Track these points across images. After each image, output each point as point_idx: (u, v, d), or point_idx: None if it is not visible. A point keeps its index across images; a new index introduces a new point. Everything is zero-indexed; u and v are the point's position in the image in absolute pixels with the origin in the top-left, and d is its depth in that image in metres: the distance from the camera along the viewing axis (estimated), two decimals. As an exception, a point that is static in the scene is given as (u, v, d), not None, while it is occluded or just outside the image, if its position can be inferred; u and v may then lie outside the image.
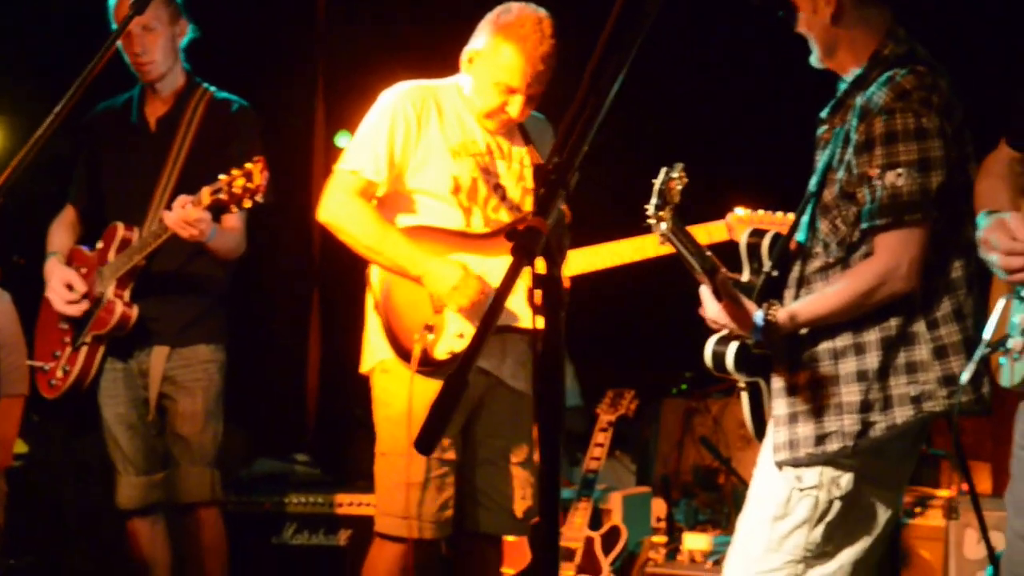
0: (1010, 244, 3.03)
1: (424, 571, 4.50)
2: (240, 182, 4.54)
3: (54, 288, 5.05)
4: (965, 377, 3.30)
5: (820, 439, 3.52)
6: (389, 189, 4.46)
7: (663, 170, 3.46)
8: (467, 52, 4.50)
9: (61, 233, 5.25)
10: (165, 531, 5.21)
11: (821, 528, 3.56)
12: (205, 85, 5.21)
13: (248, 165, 4.54)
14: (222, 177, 4.58)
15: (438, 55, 4.83)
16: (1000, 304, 3.19)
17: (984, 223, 3.15)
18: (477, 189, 4.48)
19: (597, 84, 2.03)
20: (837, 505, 3.55)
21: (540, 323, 1.99)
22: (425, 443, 1.80)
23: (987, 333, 3.21)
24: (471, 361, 1.82)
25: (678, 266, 3.70)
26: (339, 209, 4.44)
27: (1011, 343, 3.13)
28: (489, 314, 1.89)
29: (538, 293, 1.96)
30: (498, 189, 4.51)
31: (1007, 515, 3.19)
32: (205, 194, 4.63)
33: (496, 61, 4.40)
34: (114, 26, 5.02)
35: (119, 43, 5.01)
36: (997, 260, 3.07)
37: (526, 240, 1.90)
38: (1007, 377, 3.17)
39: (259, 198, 4.55)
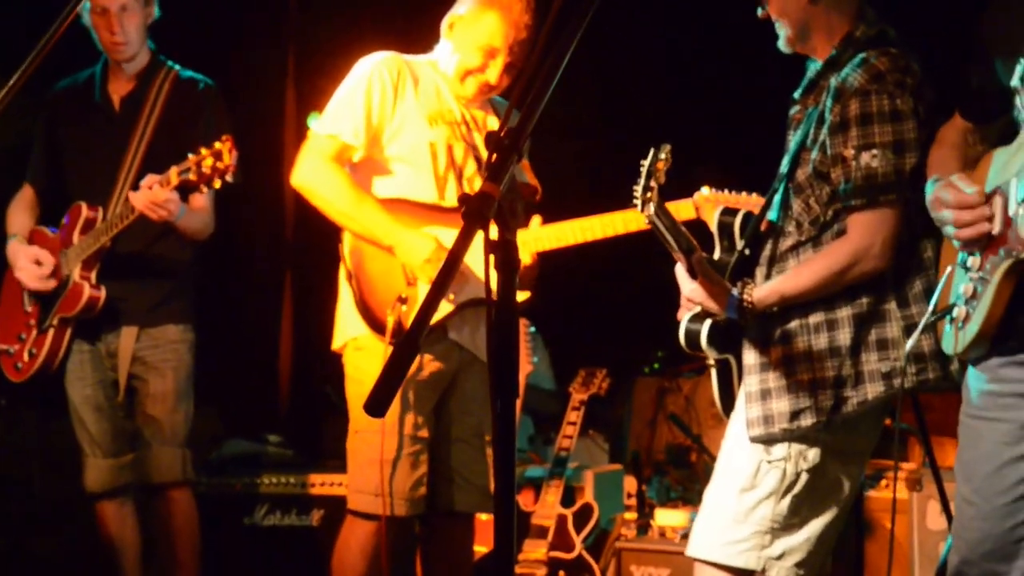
0: (960, 196, 3.07)
1: (397, 549, 4.50)
2: (209, 162, 4.53)
3: (22, 267, 5.03)
4: (909, 345, 3.36)
5: (794, 415, 3.55)
6: (365, 154, 4.45)
7: (651, 151, 3.51)
8: (449, 17, 4.53)
9: (21, 214, 5.23)
10: (134, 513, 5.20)
11: (788, 500, 3.59)
12: (169, 64, 5.19)
13: (217, 144, 4.53)
14: (191, 156, 4.57)
15: (409, 36, 4.84)
16: (946, 272, 3.24)
17: (932, 187, 3.19)
18: (453, 156, 4.49)
19: (551, 49, 2.03)
20: (804, 477, 3.59)
21: (495, 288, 1.99)
22: (375, 406, 1.80)
23: (932, 302, 3.26)
24: (422, 326, 1.83)
25: (649, 245, 3.73)
26: (313, 174, 4.43)
27: (956, 311, 3.16)
28: (440, 277, 1.89)
29: (492, 258, 1.96)
30: (475, 159, 4.52)
31: (956, 481, 3.22)
32: (173, 174, 4.62)
33: (479, 24, 4.44)
34: (87, 5, 5.00)
35: (89, 20, 5.01)
36: (948, 215, 3.10)
37: (478, 205, 1.91)
38: (950, 344, 3.22)
39: (228, 177, 4.54)
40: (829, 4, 3.62)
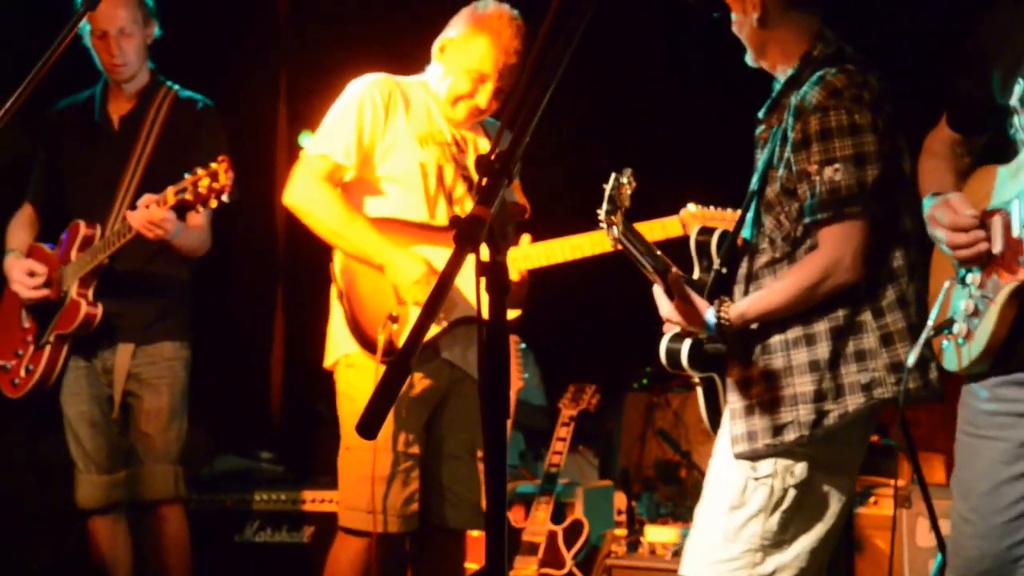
0: (955, 219, 3.10)
1: (388, 565, 4.51)
2: (205, 182, 4.55)
3: (17, 279, 5.06)
4: (912, 359, 3.37)
5: (777, 430, 3.57)
6: (356, 174, 4.49)
7: (613, 176, 3.56)
8: (440, 41, 4.57)
9: (19, 231, 5.25)
10: (127, 530, 5.21)
11: (777, 516, 3.61)
12: (169, 84, 5.22)
13: (213, 165, 4.55)
14: (187, 176, 4.59)
15: (400, 56, 4.87)
16: (944, 287, 3.27)
17: (930, 203, 3.22)
18: (443, 176, 4.52)
19: (540, 73, 2.06)
20: (792, 493, 3.60)
21: (486, 310, 2.02)
22: (367, 427, 1.83)
23: (931, 317, 3.28)
24: (414, 347, 1.85)
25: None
26: (305, 193, 4.46)
27: (956, 328, 3.18)
28: (432, 299, 1.92)
29: (483, 281, 1.99)
30: (465, 179, 4.55)
31: (953, 499, 3.24)
32: (170, 194, 4.64)
33: (469, 48, 4.48)
34: (86, 27, 5.03)
35: (90, 42, 5.04)
36: (943, 236, 3.14)
37: (469, 228, 1.94)
38: (952, 361, 3.24)
39: (225, 197, 4.55)
40: (780, 26, 3.69)
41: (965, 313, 3.16)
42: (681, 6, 3.76)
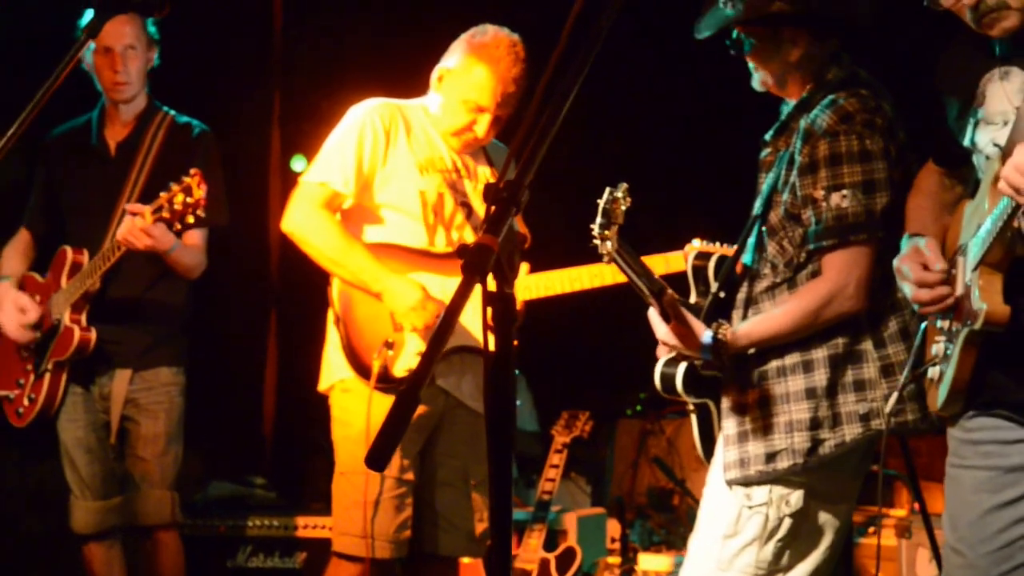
0: (921, 275, 3.11)
1: (380, 591, 4.51)
2: (180, 198, 4.54)
3: (7, 312, 5.04)
4: (889, 405, 3.38)
5: (770, 457, 3.55)
6: (355, 202, 4.48)
7: (607, 190, 3.50)
8: (438, 70, 4.54)
9: (14, 258, 5.23)
10: (122, 555, 5.19)
11: (772, 545, 3.58)
12: (165, 109, 5.20)
13: (186, 179, 4.54)
14: (162, 195, 4.58)
15: (394, 79, 4.87)
16: (922, 328, 3.29)
17: (903, 247, 3.22)
18: (444, 204, 4.51)
19: (549, 101, 2.05)
20: (787, 522, 3.58)
21: (492, 341, 2.00)
22: (377, 459, 1.81)
23: (909, 361, 3.32)
24: (423, 378, 1.83)
25: (631, 288, 3.73)
26: (304, 220, 4.45)
27: (931, 371, 3.19)
28: (440, 330, 1.91)
29: (489, 311, 1.97)
30: (464, 207, 4.55)
31: (944, 530, 3.24)
32: (147, 213, 4.63)
33: (467, 80, 4.45)
34: (91, 47, 5.01)
35: (92, 61, 5.03)
36: (909, 292, 3.14)
37: (476, 257, 1.92)
38: (932, 401, 3.25)
39: (200, 212, 4.54)
40: (807, 55, 3.64)
41: (939, 356, 3.17)
42: (686, 34, 3.73)
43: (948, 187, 3.36)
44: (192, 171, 4.56)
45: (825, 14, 3.61)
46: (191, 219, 4.56)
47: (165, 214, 4.57)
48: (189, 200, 4.52)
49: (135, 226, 4.67)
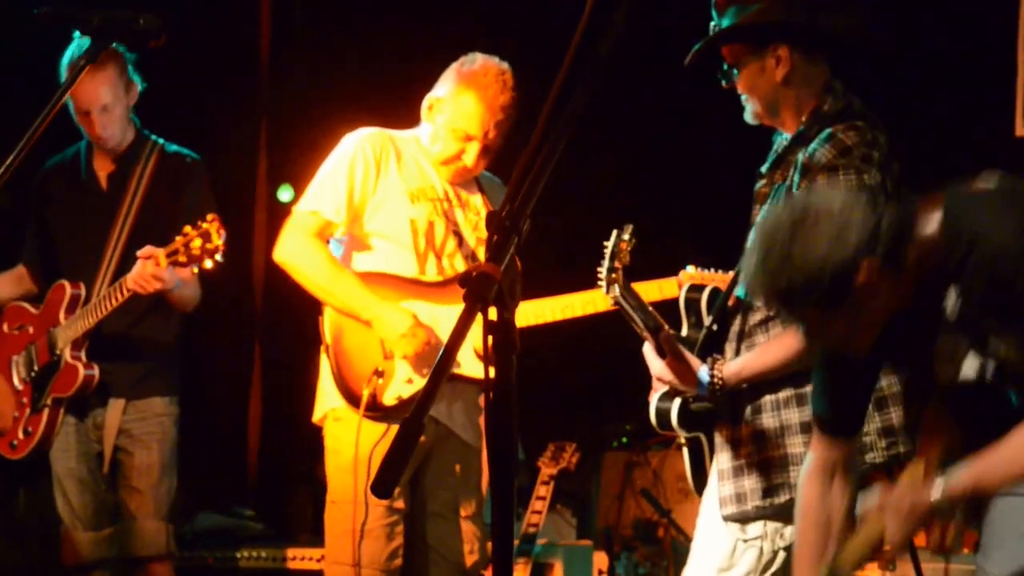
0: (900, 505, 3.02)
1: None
2: (197, 243, 4.53)
3: None
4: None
5: (767, 491, 3.55)
6: (347, 230, 4.49)
7: (614, 232, 3.52)
8: (428, 99, 4.55)
9: (3, 286, 5.22)
10: (111, 588, 5.15)
11: (766, 579, 3.58)
12: (154, 138, 5.16)
13: (204, 224, 4.53)
14: (178, 239, 4.56)
15: (382, 108, 4.86)
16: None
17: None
18: (434, 233, 4.51)
19: (551, 130, 2.04)
20: (782, 556, 3.59)
21: (492, 371, 1.99)
22: (382, 487, 1.80)
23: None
24: (426, 406, 1.82)
25: (619, 319, 3.73)
26: (295, 249, 4.45)
27: None
28: (443, 360, 1.90)
29: (490, 340, 1.96)
30: (455, 235, 4.55)
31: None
32: (161, 257, 4.60)
33: (456, 108, 4.45)
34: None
35: (74, 115, 4.97)
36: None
37: (479, 286, 1.91)
38: None
39: (219, 257, 4.54)
40: (798, 82, 3.64)
41: None
42: (678, 63, 3.73)
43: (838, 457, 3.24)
44: (210, 216, 4.54)
45: (809, 27, 3.62)
46: (208, 263, 4.55)
47: (181, 258, 4.56)
48: (208, 246, 4.52)
49: (146, 272, 4.65)
